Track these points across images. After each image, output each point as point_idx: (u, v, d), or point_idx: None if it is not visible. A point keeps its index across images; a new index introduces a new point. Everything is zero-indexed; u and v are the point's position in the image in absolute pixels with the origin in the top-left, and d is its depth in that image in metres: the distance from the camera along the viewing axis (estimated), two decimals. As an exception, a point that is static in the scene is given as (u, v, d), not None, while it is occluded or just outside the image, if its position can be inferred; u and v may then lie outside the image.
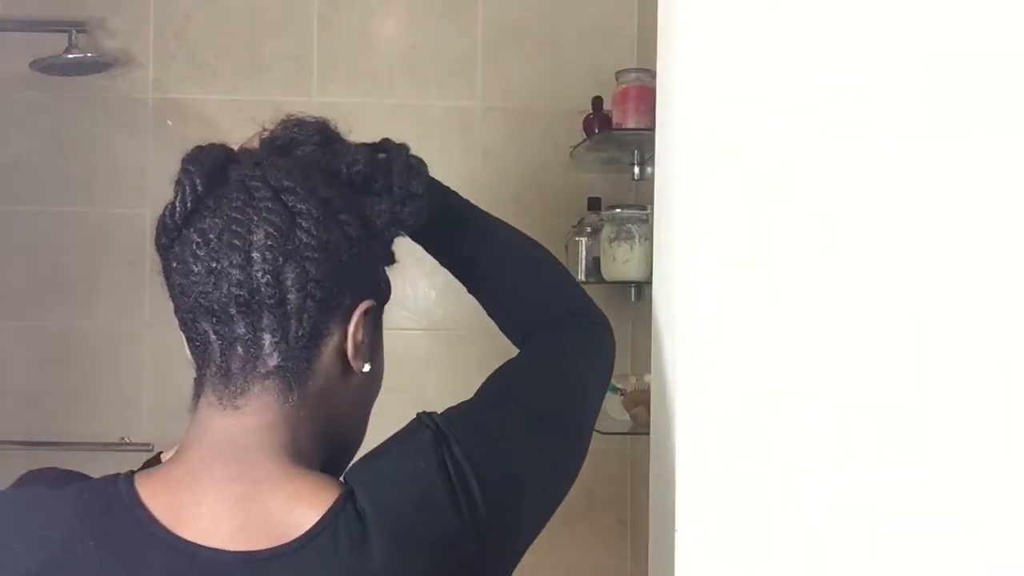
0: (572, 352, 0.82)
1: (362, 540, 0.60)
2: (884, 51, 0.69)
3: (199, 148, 0.68)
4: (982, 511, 0.68)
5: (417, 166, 0.74)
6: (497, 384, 0.76)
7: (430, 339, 1.97)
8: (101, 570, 0.59)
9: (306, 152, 0.71)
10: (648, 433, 0.85)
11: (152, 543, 0.60)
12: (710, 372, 0.70)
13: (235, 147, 0.72)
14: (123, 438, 1.85)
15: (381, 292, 0.72)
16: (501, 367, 0.78)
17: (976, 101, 0.68)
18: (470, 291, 0.89)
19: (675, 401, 0.73)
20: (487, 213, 0.89)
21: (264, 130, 0.74)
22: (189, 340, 0.67)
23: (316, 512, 0.61)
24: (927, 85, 0.68)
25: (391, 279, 0.74)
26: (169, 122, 1.91)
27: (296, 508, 0.61)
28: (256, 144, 0.74)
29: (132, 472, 0.65)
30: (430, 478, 0.63)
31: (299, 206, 0.65)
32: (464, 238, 0.87)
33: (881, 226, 0.69)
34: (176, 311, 0.67)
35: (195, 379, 0.68)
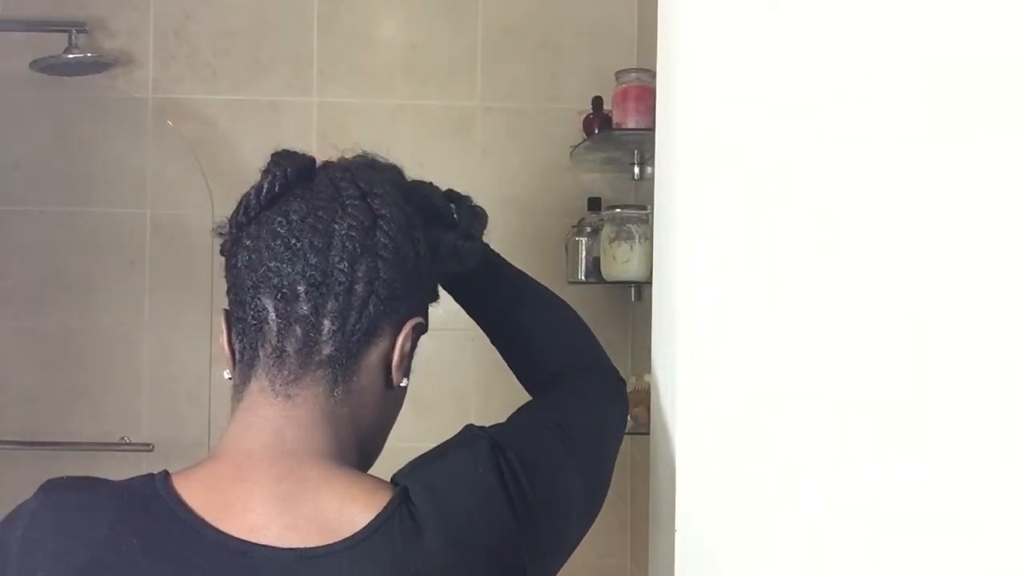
0: (598, 394, 0.85)
1: (418, 539, 0.61)
2: (884, 51, 0.69)
3: (289, 149, 0.73)
4: (982, 511, 0.68)
5: (481, 213, 0.81)
6: (532, 414, 0.79)
7: (430, 339, 1.96)
8: (148, 568, 0.59)
9: (387, 175, 0.75)
10: (648, 433, 0.86)
11: (199, 540, 0.60)
12: (710, 372, 0.70)
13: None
14: (123, 438, 1.85)
15: (424, 319, 0.76)
16: (528, 403, 0.82)
17: (976, 101, 0.68)
18: (492, 341, 0.93)
19: (675, 401, 0.73)
20: (514, 266, 0.93)
21: (342, 158, 0.78)
22: (240, 320, 0.68)
23: (370, 511, 0.61)
24: (927, 85, 0.68)
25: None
26: (169, 122, 1.91)
27: (349, 508, 0.62)
28: None
29: (166, 472, 0.65)
30: (489, 483, 0.65)
31: (383, 211, 0.69)
32: (496, 291, 0.91)
33: (881, 226, 0.69)
34: (231, 290, 0.69)
35: (239, 369, 0.68)
